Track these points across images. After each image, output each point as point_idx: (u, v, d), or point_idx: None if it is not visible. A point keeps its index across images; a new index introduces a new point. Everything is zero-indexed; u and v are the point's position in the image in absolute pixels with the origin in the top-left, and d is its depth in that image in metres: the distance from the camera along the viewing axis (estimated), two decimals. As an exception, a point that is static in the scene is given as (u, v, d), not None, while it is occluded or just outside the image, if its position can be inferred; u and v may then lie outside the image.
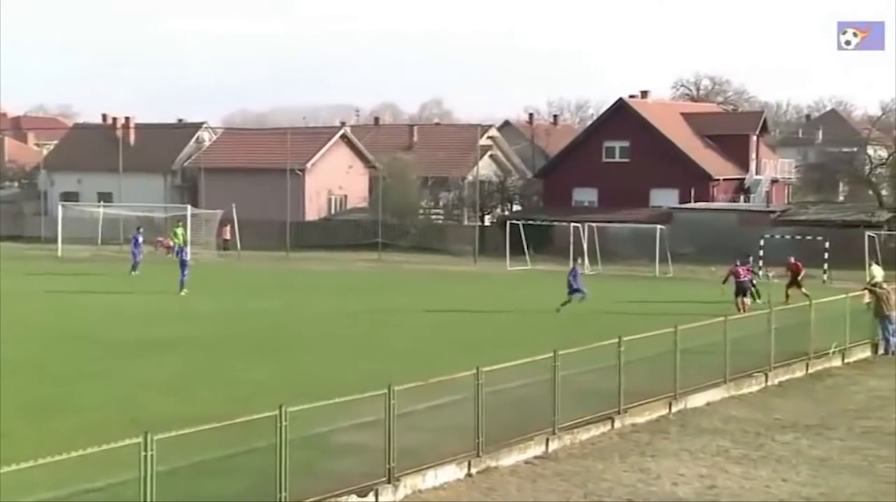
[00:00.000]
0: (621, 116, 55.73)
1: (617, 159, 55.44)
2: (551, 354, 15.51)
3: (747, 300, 29.90)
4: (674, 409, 17.87)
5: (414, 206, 55.97)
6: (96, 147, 62.90)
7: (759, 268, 34.00)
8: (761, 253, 39.04)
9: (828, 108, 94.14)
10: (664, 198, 53.05)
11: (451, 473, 13.84)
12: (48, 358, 21.88)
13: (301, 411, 12.05)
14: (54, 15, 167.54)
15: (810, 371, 21.78)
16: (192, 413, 15.11)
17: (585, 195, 55.72)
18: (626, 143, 55.21)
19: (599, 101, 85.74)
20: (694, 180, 53.26)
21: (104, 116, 68.82)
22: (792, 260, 33.54)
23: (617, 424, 16.65)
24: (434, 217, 58.76)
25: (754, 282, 31.19)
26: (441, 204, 59.87)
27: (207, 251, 48.43)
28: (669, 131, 55.51)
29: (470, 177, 57.08)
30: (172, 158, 62.22)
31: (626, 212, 50.18)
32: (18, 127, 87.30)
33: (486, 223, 56.17)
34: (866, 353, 24.00)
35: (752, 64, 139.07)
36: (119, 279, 38.72)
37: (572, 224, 44.96)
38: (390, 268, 45.63)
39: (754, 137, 58.75)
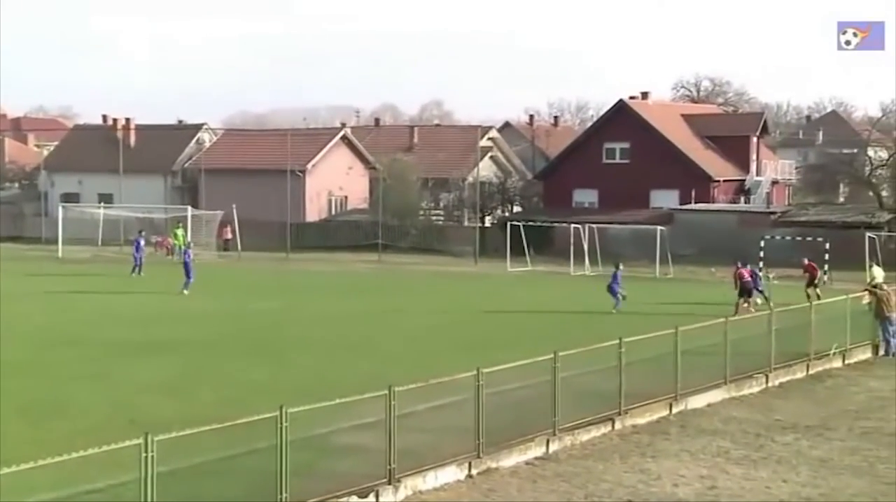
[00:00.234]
0: (622, 117, 55.73)
1: (617, 160, 55.44)
2: (552, 355, 15.50)
3: (758, 300, 29.95)
4: (674, 410, 17.86)
5: (414, 207, 55.98)
6: (96, 148, 62.90)
7: (761, 270, 33.97)
8: (762, 254, 39.02)
9: (828, 110, 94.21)
10: (664, 199, 53.06)
11: (451, 474, 13.84)
12: (48, 359, 21.87)
13: (301, 412, 12.04)
14: (54, 15, 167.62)
15: (811, 372, 21.78)
16: (191, 414, 15.11)
17: (586, 196, 55.72)
18: (626, 145, 55.21)
19: (600, 103, 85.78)
20: (694, 181, 53.26)
21: (104, 117, 68.87)
22: (806, 261, 33.63)
23: (617, 425, 16.64)
24: (434, 218, 58.77)
25: (759, 285, 31.13)
26: (441, 205, 59.87)
27: (208, 252, 48.44)
28: (670, 132, 55.51)
29: (470, 179, 57.08)
30: (173, 159, 62.24)
31: (626, 214, 50.17)
32: (19, 128, 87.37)
33: (487, 224, 56.18)
34: (867, 354, 23.98)
35: (752, 65, 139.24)
36: (119, 280, 38.71)
37: (573, 225, 44.97)
38: (390, 269, 45.62)
39: (755, 138, 58.76)
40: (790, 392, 20.13)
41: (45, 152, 73.58)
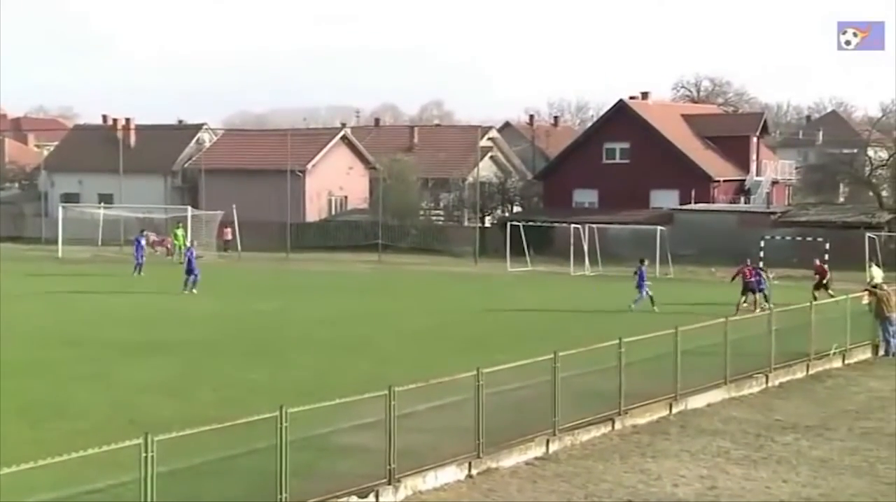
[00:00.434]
0: (622, 118, 55.73)
1: (617, 160, 55.44)
2: (552, 355, 15.50)
3: (765, 304, 30.00)
4: (674, 410, 17.85)
5: (414, 208, 55.99)
6: (97, 148, 62.91)
7: (762, 270, 33.97)
8: (761, 254, 39.02)
9: (828, 110, 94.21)
10: (664, 199, 53.06)
11: (451, 474, 13.83)
12: (47, 359, 21.86)
13: (301, 412, 12.04)
14: (53, 15, 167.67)
15: (811, 372, 21.77)
16: (191, 414, 15.12)
17: (586, 196, 55.72)
18: (626, 145, 55.21)
19: (600, 103, 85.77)
20: (694, 181, 53.26)
21: (104, 117, 68.88)
22: (817, 262, 33.65)
23: (617, 425, 16.63)
24: (434, 218, 58.77)
25: (763, 285, 31.17)
26: (441, 205, 59.88)
27: (208, 252, 48.40)
28: (670, 132, 55.51)
29: (470, 179, 57.08)
30: (173, 159, 62.24)
31: (626, 214, 50.18)
32: (19, 128, 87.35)
33: (487, 224, 56.18)
34: (867, 355, 23.98)
35: (752, 65, 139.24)
36: (119, 280, 38.72)
37: (573, 225, 44.97)
38: (390, 269, 45.62)
39: (755, 139, 58.77)
40: (790, 392, 20.13)
41: (45, 152, 73.58)
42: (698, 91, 78.96)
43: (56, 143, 71.13)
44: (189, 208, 51.37)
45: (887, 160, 54.57)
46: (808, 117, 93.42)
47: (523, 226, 46.46)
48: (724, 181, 55.59)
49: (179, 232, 49.18)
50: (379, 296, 35.36)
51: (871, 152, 56.87)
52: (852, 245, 40.19)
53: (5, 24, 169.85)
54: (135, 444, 10.56)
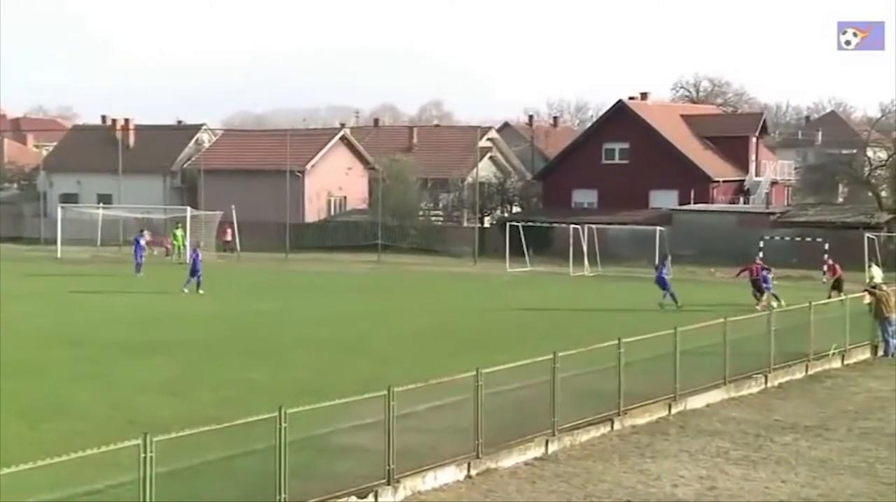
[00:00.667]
0: (621, 118, 55.75)
1: (616, 161, 55.46)
2: (551, 355, 15.50)
3: (772, 303, 30.31)
4: (673, 411, 17.85)
5: (413, 208, 55.99)
6: (96, 148, 62.89)
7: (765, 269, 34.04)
8: (761, 254, 39.03)
9: (827, 110, 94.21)
10: (664, 199, 53.07)
11: (450, 475, 13.83)
12: (46, 360, 21.85)
13: (300, 412, 12.03)
14: (53, 15, 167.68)
15: (810, 372, 21.77)
16: (190, 415, 15.11)
17: (585, 197, 55.73)
18: (625, 145, 55.23)
19: (599, 103, 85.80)
20: (693, 182, 53.27)
21: (103, 118, 68.88)
22: (830, 261, 33.68)
23: (617, 426, 16.63)
24: (434, 218, 58.77)
25: (769, 285, 31.41)
26: (441, 205, 59.88)
27: (207, 252, 48.34)
28: (669, 133, 55.53)
29: (469, 179, 57.08)
30: (172, 160, 62.24)
31: (625, 214, 50.19)
32: (18, 128, 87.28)
33: (486, 225, 56.18)
34: (866, 355, 23.98)
35: (751, 65, 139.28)
36: (118, 280, 38.71)
37: (572, 225, 44.98)
38: (390, 269, 45.62)
39: (754, 139, 58.79)
40: (789, 392, 20.13)
41: (45, 152, 73.54)
42: (697, 91, 79.00)
43: (55, 144, 71.10)
44: (188, 208, 51.35)
45: (886, 160, 54.58)
46: (808, 117, 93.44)
47: (522, 226, 46.47)
48: (724, 181, 55.61)
49: (179, 232, 49.16)
50: (378, 296, 35.35)
51: (870, 152, 56.87)
52: (851, 245, 40.20)
53: (5, 24, 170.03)
54: (133, 445, 10.55)
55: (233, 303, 32.42)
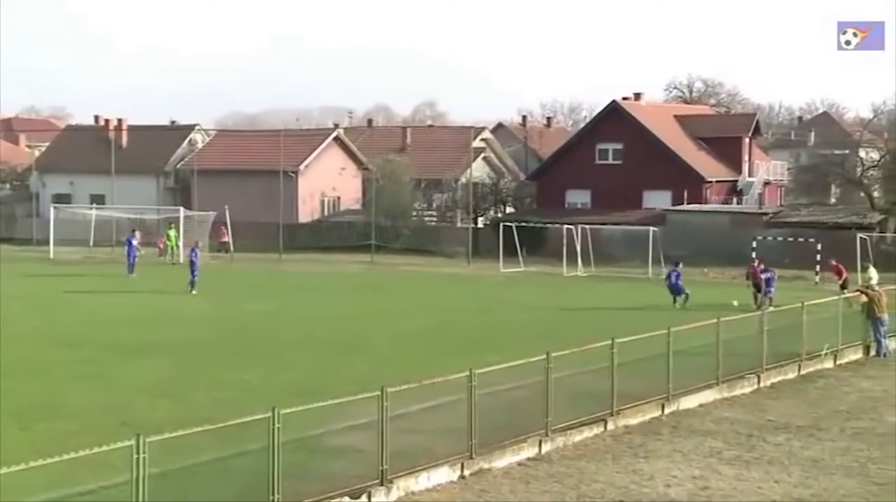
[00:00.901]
0: (614, 118, 55.81)
1: (610, 161, 55.52)
2: (544, 356, 15.52)
3: (761, 297, 30.72)
4: (666, 411, 17.89)
5: (407, 208, 55.99)
6: (88, 148, 62.76)
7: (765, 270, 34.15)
8: (754, 254, 39.12)
9: (820, 111, 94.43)
10: (657, 199, 53.14)
11: (444, 475, 13.84)
12: (40, 360, 21.81)
13: (294, 413, 12.03)
14: (45, 15, 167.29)
15: (802, 372, 21.83)
16: (184, 415, 15.10)
17: (578, 197, 55.78)
18: (619, 145, 55.29)
19: (592, 104, 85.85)
20: (687, 182, 53.35)
21: (96, 118, 68.72)
22: (833, 262, 33.73)
23: (610, 426, 16.66)
24: (427, 219, 58.77)
25: (770, 286, 31.71)
26: (434, 206, 59.88)
27: (201, 253, 48.26)
28: (662, 133, 55.60)
29: (463, 179, 57.08)
30: (165, 160, 62.14)
31: (619, 214, 50.25)
32: (10, 128, 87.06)
33: (480, 225, 56.18)
34: (858, 355, 24.05)
35: (744, 66, 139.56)
36: (111, 281, 38.64)
37: (565, 226, 45.01)
38: (383, 269, 45.61)
39: (747, 139, 58.89)
40: (782, 392, 20.18)
41: (37, 153, 73.35)
42: (691, 92, 79.11)
43: (48, 144, 70.92)
44: (181, 209, 51.27)
45: (878, 161, 54.74)
46: (800, 118, 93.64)
47: (516, 226, 46.49)
48: (717, 182, 55.69)
49: (172, 233, 49.08)
50: (372, 296, 35.35)
51: (862, 153, 57.04)
52: (844, 246, 40.27)
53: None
54: (127, 446, 10.54)
55: (227, 303, 32.39)
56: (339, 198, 60.12)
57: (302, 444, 12.94)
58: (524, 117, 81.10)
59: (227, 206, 50.64)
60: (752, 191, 57.53)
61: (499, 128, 74.16)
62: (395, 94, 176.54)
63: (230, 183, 56.27)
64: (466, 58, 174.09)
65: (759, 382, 20.42)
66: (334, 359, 22.51)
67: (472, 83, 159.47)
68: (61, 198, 60.18)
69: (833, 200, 58.70)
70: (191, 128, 65.59)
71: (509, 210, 59.17)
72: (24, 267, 43.77)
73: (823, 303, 24.13)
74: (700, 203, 53.16)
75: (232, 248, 49.97)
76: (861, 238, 40.36)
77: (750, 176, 58.22)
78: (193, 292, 34.39)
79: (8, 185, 70.01)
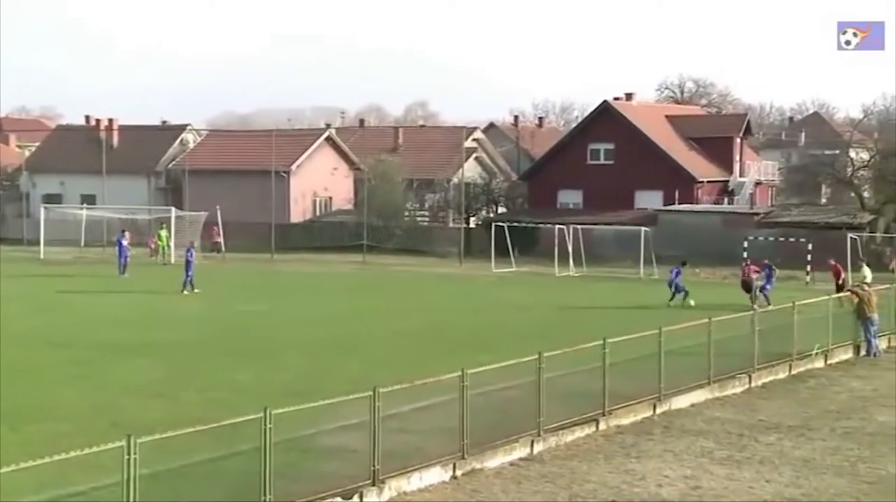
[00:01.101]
0: (606, 119, 55.88)
1: (602, 161, 55.59)
2: (536, 356, 15.52)
3: (757, 297, 30.83)
4: (658, 411, 17.91)
5: (399, 208, 55.97)
6: (79, 149, 62.60)
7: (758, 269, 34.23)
8: (745, 254, 39.20)
9: (810, 111, 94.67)
10: (649, 199, 53.23)
11: (436, 475, 13.84)
12: (31, 361, 21.75)
13: (286, 413, 12.01)
14: (36, 15, 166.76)
15: (793, 372, 21.89)
16: (176, 416, 15.07)
17: (570, 197, 55.84)
18: (610, 146, 55.37)
19: (584, 104, 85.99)
20: (678, 182, 53.46)
21: (87, 118, 68.58)
22: (832, 262, 33.79)
23: (602, 426, 16.68)
24: (419, 219, 58.76)
25: (768, 285, 31.81)
26: (426, 206, 59.87)
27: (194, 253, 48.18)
28: (654, 133, 55.70)
29: (455, 179, 57.09)
30: (156, 160, 62.03)
31: (610, 214, 50.32)
32: (0, 128, 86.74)
33: (472, 225, 56.20)
34: (848, 355, 24.12)
35: (735, 66, 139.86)
36: (102, 281, 38.55)
37: (557, 226, 45.05)
38: (375, 269, 45.59)
39: (738, 140, 59.03)
40: (773, 392, 20.23)
41: (27, 153, 73.10)
42: (682, 92, 79.27)
43: (38, 144, 70.68)
44: (173, 209, 51.17)
45: (868, 161, 54.94)
46: (791, 118, 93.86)
47: (508, 226, 46.50)
48: (708, 182, 55.81)
49: (163, 233, 48.97)
50: (364, 296, 35.33)
51: (852, 153, 57.24)
52: (834, 245, 40.38)
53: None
54: (117, 446, 10.51)
55: (219, 303, 32.34)
56: (330, 198, 60.07)
57: (294, 445, 12.93)
58: (516, 117, 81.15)
59: (218, 207, 50.58)
60: (744, 192, 57.68)
61: (490, 128, 74.19)
62: (387, 95, 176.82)
63: (222, 183, 56.18)
64: (458, 58, 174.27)
65: (750, 382, 20.47)
66: (326, 359, 22.48)
67: (464, 83, 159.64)
68: (52, 199, 60.02)
69: (823, 200, 58.89)
70: (182, 128, 65.48)
71: (501, 210, 59.19)
72: (14, 267, 43.61)
73: (814, 303, 24.19)
74: (691, 203, 53.27)
75: (224, 248, 49.90)
76: (851, 238, 40.49)
77: (741, 176, 58.36)
78: (185, 292, 34.36)
79: (-2, 186, 69.81)
